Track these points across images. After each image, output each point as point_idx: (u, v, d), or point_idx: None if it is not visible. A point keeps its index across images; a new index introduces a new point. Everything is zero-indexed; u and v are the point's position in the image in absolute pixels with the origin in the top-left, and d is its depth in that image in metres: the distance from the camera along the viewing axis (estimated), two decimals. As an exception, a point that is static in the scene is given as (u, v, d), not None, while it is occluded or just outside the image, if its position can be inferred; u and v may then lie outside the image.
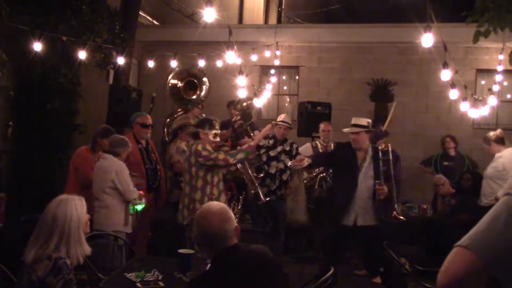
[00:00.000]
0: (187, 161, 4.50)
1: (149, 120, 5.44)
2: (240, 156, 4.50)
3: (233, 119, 7.03)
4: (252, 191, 5.28)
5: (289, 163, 5.46)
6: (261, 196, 5.19)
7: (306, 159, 4.91)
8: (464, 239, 1.21)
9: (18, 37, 5.74)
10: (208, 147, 4.47)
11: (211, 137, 4.55)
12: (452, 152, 7.11)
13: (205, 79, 7.02)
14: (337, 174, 4.90)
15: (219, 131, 4.70)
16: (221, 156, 4.43)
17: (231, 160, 4.43)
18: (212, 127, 4.59)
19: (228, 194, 5.69)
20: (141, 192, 4.78)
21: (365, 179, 4.52)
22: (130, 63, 7.40)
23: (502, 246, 1.15)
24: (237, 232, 2.34)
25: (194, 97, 6.90)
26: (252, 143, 4.78)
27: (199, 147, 4.42)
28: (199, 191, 4.43)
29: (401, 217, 4.37)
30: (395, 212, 4.34)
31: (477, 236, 1.20)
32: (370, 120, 4.70)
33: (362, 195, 4.54)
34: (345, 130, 4.88)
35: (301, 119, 7.46)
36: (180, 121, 6.24)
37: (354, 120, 4.74)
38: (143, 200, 4.71)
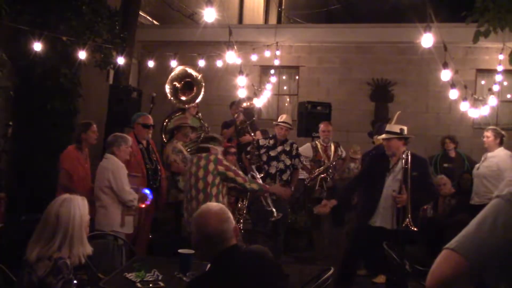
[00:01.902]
0: (203, 169, 4.34)
1: (151, 120, 5.45)
2: (254, 186, 4.52)
3: (235, 116, 7.04)
4: (268, 208, 5.31)
5: (314, 211, 5.35)
6: (275, 214, 5.24)
7: (330, 202, 4.92)
8: (453, 242, 1.22)
9: (18, 37, 5.74)
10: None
11: (219, 152, 4.53)
12: (452, 154, 7.10)
13: (199, 77, 7.00)
14: (367, 176, 4.91)
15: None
16: (242, 174, 4.46)
17: (247, 184, 4.43)
18: (220, 145, 4.61)
19: (234, 194, 5.68)
20: (146, 190, 4.83)
21: (393, 182, 4.53)
22: (130, 63, 7.39)
23: (487, 248, 1.17)
24: (235, 232, 2.34)
25: (184, 98, 6.90)
26: (268, 187, 4.87)
27: (220, 156, 4.42)
28: (214, 198, 4.33)
29: (414, 228, 4.35)
30: (407, 220, 4.32)
31: (465, 239, 1.21)
32: (403, 127, 4.69)
33: (386, 196, 4.55)
34: (379, 137, 4.91)
35: (301, 119, 7.46)
36: (176, 121, 6.24)
37: (387, 127, 4.75)
38: (149, 199, 4.80)
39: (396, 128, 4.66)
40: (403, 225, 4.32)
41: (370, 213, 4.57)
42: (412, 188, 4.35)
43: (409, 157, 4.47)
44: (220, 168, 4.32)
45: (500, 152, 5.69)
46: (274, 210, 5.22)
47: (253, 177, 5.47)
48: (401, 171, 4.50)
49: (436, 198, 4.87)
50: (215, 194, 4.35)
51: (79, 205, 2.56)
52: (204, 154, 4.40)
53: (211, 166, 4.32)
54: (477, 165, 5.95)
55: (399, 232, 4.37)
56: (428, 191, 4.59)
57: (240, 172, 4.44)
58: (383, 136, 4.69)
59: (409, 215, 4.31)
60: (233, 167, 4.45)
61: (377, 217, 4.54)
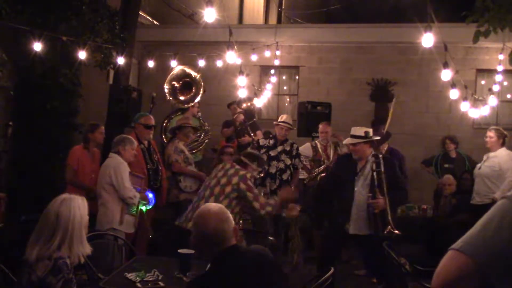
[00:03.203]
0: (227, 178, 4.17)
1: (153, 121, 5.48)
2: (269, 209, 4.25)
3: (234, 117, 7.03)
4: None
5: (283, 214, 5.08)
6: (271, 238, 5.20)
7: (298, 207, 4.86)
8: (458, 242, 1.22)
9: (18, 37, 5.73)
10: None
11: (255, 173, 4.39)
12: (453, 154, 7.10)
13: (197, 76, 6.99)
14: (338, 181, 4.84)
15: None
16: (262, 199, 4.23)
17: (262, 212, 4.18)
18: (260, 166, 4.43)
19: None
20: (150, 194, 4.87)
21: (363, 188, 4.47)
22: (130, 63, 7.39)
23: (493, 248, 1.16)
24: (235, 232, 2.34)
25: (183, 98, 6.90)
26: (278, 200, 4.53)
27: (248, 175, 4.19)
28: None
29: (396, 231, 4.27)
30: (389, 227, 4.24)
31: (470, 239, 1.21)
32: (368, 129, 4.57)
33: (358, 202, 4.49)
34: (344, 142, 4.85)
35: (301, 119, 7.45)
36: (179, 121, 6.25)
37: (352, 131, 4.64)
38: (151, 203, 4.89)
39: (360, 131, 4.54)
40: (385, 231, 4.24)
41: (343, 218, 4.52)
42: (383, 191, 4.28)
43: (381, 160, 4.38)
44: (242, 186, 4.10)
45: (502, 152, 5.70)
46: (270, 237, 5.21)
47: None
48: (369, 174, 4.42)
49: (406, 198, 4.81)
50: (225, 206, 4.23)
51: (79, 205, 2.56)
52: (238, 167, 4.24)
53: (235, 180, 4.13)
54: (478, 165, 5.95)
55: (380, 237, 4.27)
56: (400, 192, 4.49)
57: (261, 198, 4.22)
58: (348, 140, 4.62)
59: (390, 220, 4.24)
60: (256, 191, 4.23)
61: (350, 223, 4.48)
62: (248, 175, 4.19)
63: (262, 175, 5.73)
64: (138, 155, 5.20)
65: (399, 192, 4.49)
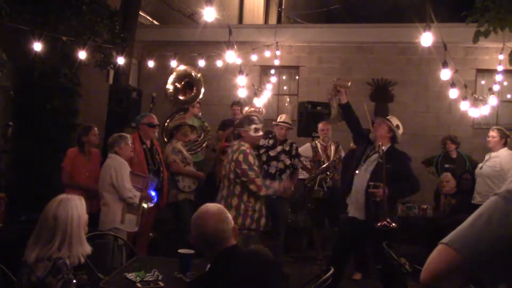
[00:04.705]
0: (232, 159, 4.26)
1: (155, 120, 5.49)
2: (270, 191, 4.47)
3: (238, 121, 7.00)
4: None
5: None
6: None
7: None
8: (448, 236, 1.24)
9: (18, 37, 5.74)
10: (250, 159, 4.27)
11: (251, 132, 4.38)
12: (454, 154, 7.09)
13: (198, 76, 6.97)
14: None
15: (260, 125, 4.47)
16: (258, 181, 4.30)
17: (263, 191, 4.33)
18: (251, 122, 4.41)
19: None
20: (152, 192, 4.90)
21: (365, 173, 4.54)
22: (130, 63, 7.38)
23: (481, 244, 1.17)
24: (234, 232, 2.34)
25: (184, 98, 6.89)
26: (277, 187, 4.70)
27: (240, 157, 4.23)
28: (236, 197, 4.27)
29: (393, 224, 4.27)
30: (385, 222, 4.24)
31: (459, 234, 1.23)
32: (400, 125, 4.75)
33: (356, 186, 4.57)
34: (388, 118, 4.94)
35: (301, 119, 7.45)
36: (176, 121, 6.25)
37: (389, 117, 4.81)
38: (153, 201, 4.95)
39: (396, 121, 4.70)
40: (380, 224, 4.23)
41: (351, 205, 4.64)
42: (387, 181, 4.27)
43: (384, 150, 4.41)
44: (238, 171, 4.21)
45: (503, 152, 5.71)
46: None
47: None
48: (375, 162, 4.46)
49: (418, 190, 4.79)
50: (238, 193, 4.28)
51: (76, 205, 2.56)
52: (241, 147, 4.28)
53: (232, 166, 4.24)
54: (480, 165, 5.95)
55: (377, 229, 4.32)
56: (408, 181, 4.50)
57: (257, 179, 4.30)
58: (382, 119, 4.74)
59: (386, 214, 4.21)
60: (251, 174, 4.28)
61: (350, 207, 4.61)
62: (240, 157, 4.21)
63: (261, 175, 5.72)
64: (140, 155, 5.21)
65: (404, 183, 4.48)
